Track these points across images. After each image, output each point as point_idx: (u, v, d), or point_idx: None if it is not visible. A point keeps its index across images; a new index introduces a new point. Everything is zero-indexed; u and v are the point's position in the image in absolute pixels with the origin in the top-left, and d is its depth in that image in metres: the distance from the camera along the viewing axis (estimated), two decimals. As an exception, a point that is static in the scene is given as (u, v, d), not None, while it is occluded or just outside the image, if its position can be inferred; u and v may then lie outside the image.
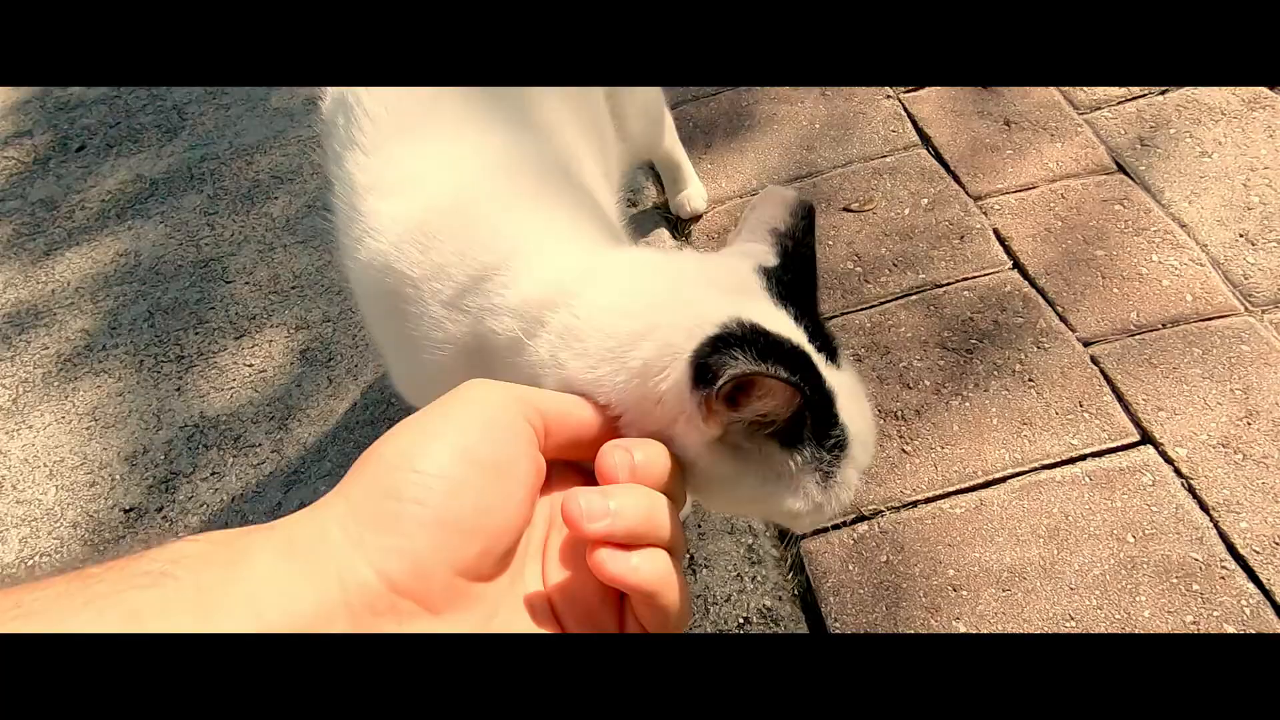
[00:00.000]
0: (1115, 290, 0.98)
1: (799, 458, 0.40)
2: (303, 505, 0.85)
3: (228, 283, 1.29)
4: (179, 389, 1.16)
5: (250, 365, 1.17)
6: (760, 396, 0.37)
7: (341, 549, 0.27)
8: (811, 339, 0.42)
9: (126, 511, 1.04)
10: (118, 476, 1.07)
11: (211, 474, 1.05)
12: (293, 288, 1.26)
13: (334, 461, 1.03)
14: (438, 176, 0.53)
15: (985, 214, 1.10)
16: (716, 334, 0.38)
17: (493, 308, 0.46)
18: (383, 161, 0.55)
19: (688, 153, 1.28)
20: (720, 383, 0.36)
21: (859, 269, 1.07)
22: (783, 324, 0.42)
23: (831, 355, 0.43)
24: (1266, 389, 0.86)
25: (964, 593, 0.78)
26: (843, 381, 0.43)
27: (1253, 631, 0.72)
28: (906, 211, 1.12)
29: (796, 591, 0.82)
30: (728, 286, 0.43)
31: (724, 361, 0.36)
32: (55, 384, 1.20)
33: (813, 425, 0.39)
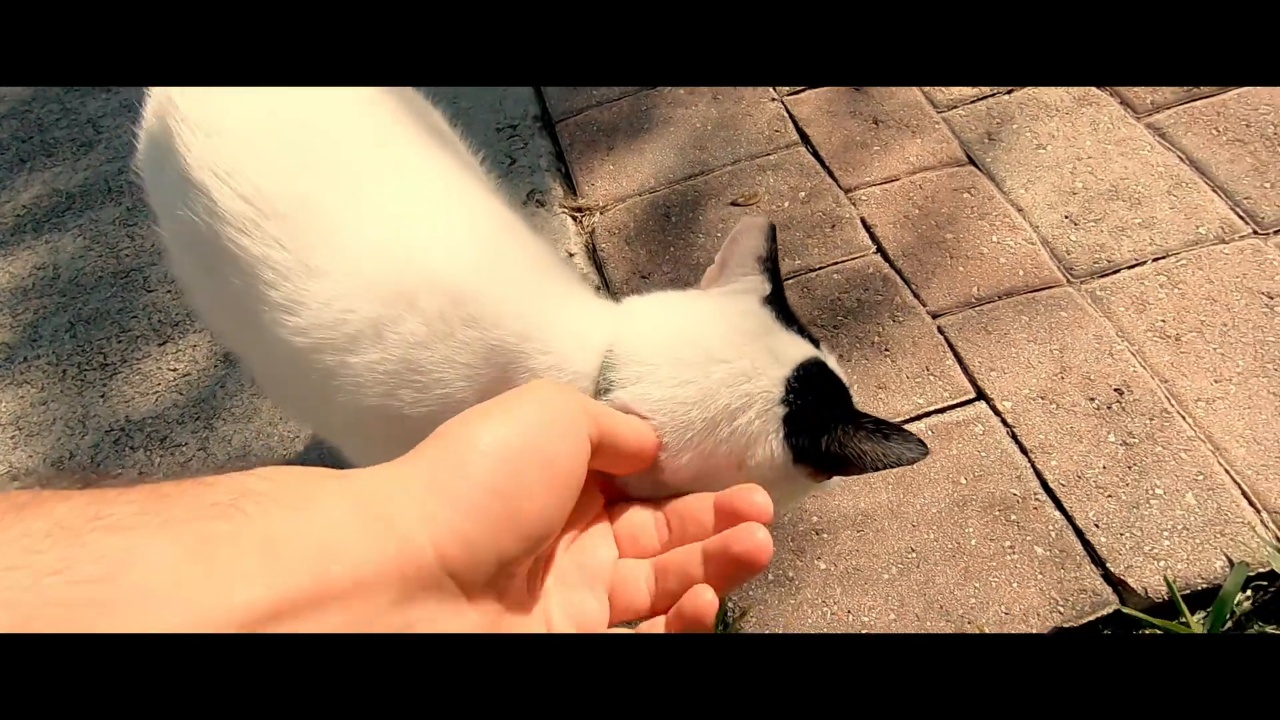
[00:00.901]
0: (960, 268, 1.11)
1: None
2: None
3: (149, 291, 1.33)
4: (103, 395, 1.20)
5: (174, 369, 1.21)
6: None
7: (408, 515, 0.27)
8: (803, 334, 0.51)
9: (55, 513, 1.08)
10: (44, 482, 1.11)
11: (139, 475, 1.10)
12: (214, 294, 1.30)
13: (259, 456, 1.09)
14: (396, 257, 0.52)
15: (854, 204, 1.22)
16: (794, 407, 0.46)
17: (533, 371, 0.49)
18: (310, 247, 0.52)
19: (591, 155, 1.38)
20: (845, 473, 0.46)
21: (743, 257, 1.18)
22: (800, 347, 0.50)
23: (813, 341, 0.52)
24: (1078, 348, 1.00)
25: (825, 535, 0.90)
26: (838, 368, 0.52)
27: (1057, 551, 0.86)
28: (786, 204, 1.24)
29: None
30: (757, 331, 0.49)
31: (849, 456, 0.45)
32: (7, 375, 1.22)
33: None
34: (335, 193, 0.54)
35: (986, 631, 0.81)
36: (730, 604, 0.86)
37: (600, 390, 0.47)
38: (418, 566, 0.26)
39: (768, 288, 0.52)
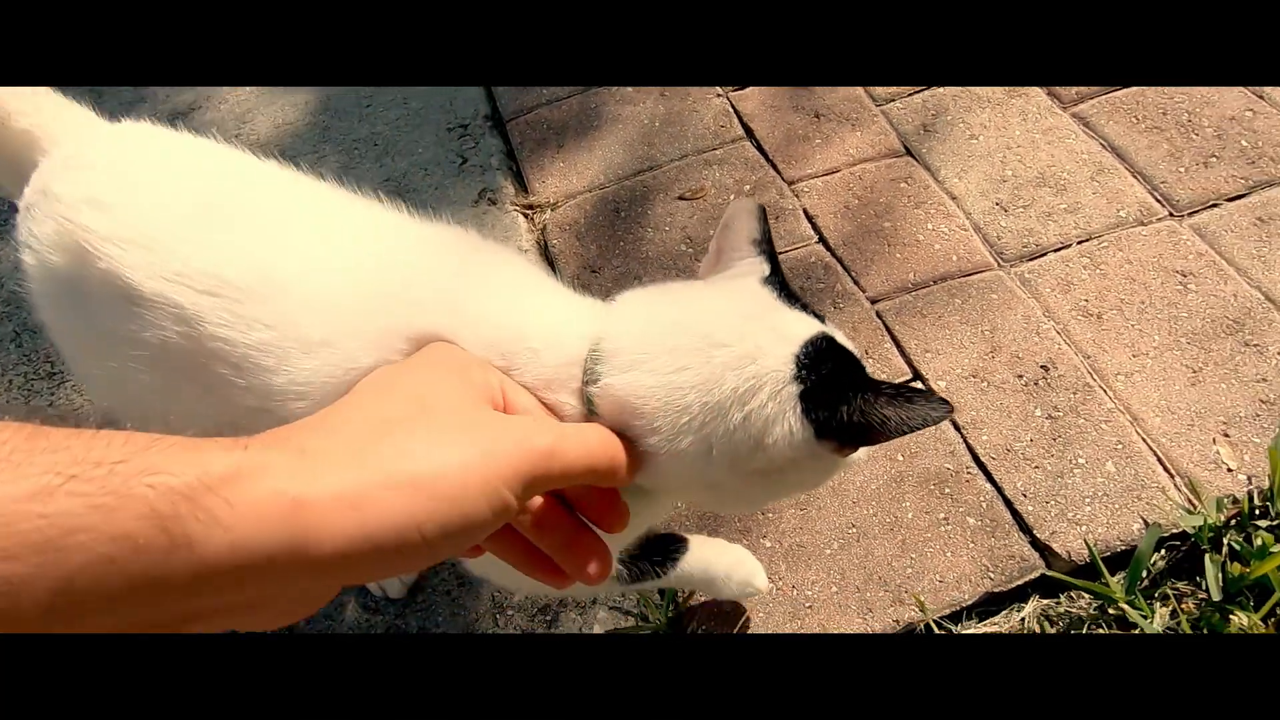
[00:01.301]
0: (898, 255, 1.16)
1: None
2: None
3: (97, 298, 1.32)
4: (51, 403, 1.19)
5: (125, 376, 1.21)
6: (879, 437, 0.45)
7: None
8: (805, 310, 0.50)
9: (4, 524, 1.07)
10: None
11: (90, 481, 1.09)
12: (164, 299, 1.30)
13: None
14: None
15: (797, 196, 1.26)
16: (809, 384, 0.45)
17: (520, 369, 0.46)
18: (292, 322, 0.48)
19: (541, 153, 1.40)
20: (870, 442, 0.45)
21: (691, 250, 1.21)
22: (805, 323, 0.48)
23: (818, 317, 0.51)
24: (1007, 329, 1.05)
25: (770, 515, 0.93)
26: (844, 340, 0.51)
27: (988, 520, 0.90)
28: (732, 197, 1.27)
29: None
30: (759, 312, 0.48)
31: (873, 422, 0.44)
32: (-81, 409, 1.20)
33: None
34: (291, 257, 0.51)
35: (923, 600, 0.86)
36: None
37: (588, 381, 0.46)
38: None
39: (766, 268, 0.51)
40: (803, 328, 0.48)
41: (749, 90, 1.43)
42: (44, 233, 0.54)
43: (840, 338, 0.50)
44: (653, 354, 0.46)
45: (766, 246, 0.53)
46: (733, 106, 1.41)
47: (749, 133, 1.36)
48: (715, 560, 0.79)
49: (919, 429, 0.44)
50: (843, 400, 0.45)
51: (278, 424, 0.34)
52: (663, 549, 0.71)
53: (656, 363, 0.45)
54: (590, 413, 0.46)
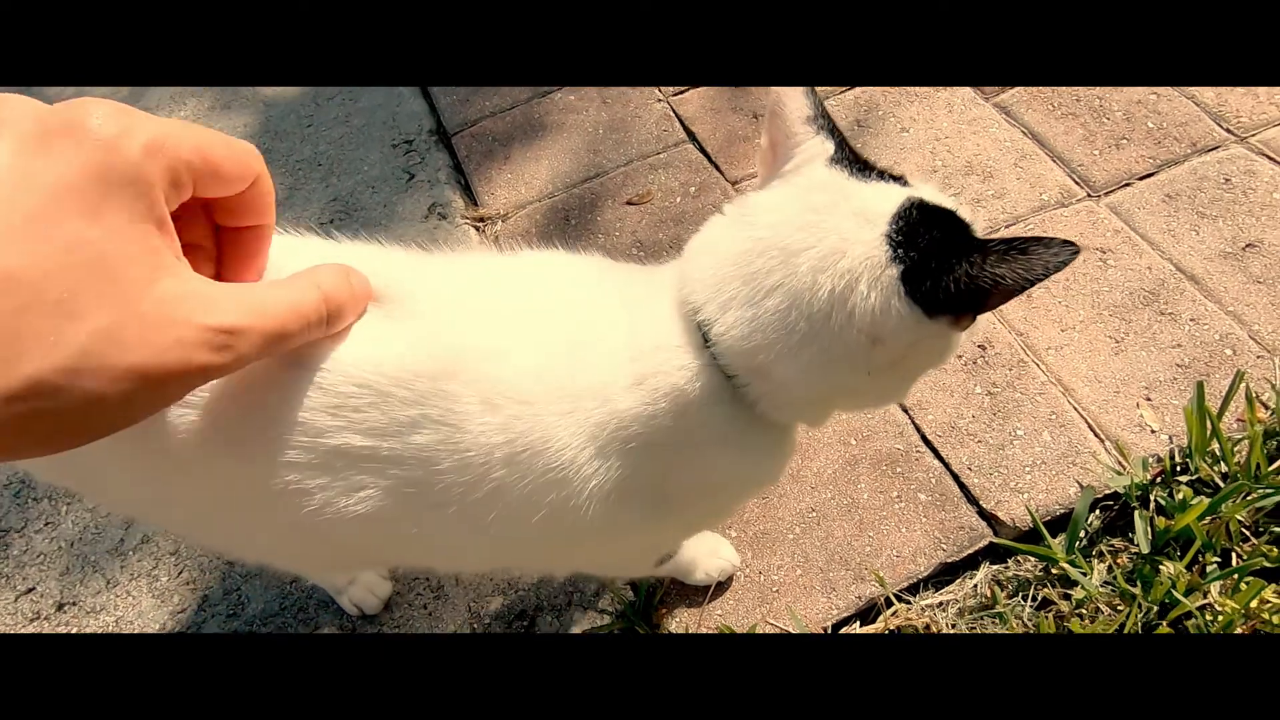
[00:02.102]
0: (840, 248, 1.20)
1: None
2: (145, 541, 0.93)
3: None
4: None
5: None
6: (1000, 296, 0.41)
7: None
8: (885, 179, 0.46)
9: (-44, 575, 1.04)
10: (-59, 543, 1.07)
11: (45, 524, 1.07)
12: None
13: (174, 492, 1.08)
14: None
15: (741, 195, 1.30)
16: (910, 261, 0.41)
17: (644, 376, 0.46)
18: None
19: (489, 165, 1.41)
20: (988, 306, 0.41)
21: (641, 254, 1.24)
22: (887, 195, 0.44)
23: (901, 182, 0.47)
24: (946, 312, 1.11)
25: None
26: (935, 194, 0.47)
27: (938, 495, 0.95)
28: (678, 200, 1.30)
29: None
30: (833, 200, 0.44)
31: (985, 285, 0.40)
32: None
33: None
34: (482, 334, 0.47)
35: (882, 575, 0.90)
36: (653, 579, 0.92)
37: (706, 344, 0.45)
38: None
39: (830, 146, 0.47)
40: (886, 202, 0.44)
41: (689, 94, 1.46)
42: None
43: (932, 195, 0.46)
44: (733, 285, 0.44)
45: (824, 122, 0.48)
46: (674, 111, 1.44)
47: (691, 136, 1.40)
48: (695, 542, 0.84)
49: (1042, 279, 0.40)
50: (947, 270, 0.41)
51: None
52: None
53: (743, 295, 0.43)
54: (725, 373, 0.46)
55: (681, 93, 1.47)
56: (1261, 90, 1.29)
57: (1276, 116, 1.25)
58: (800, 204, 0.46)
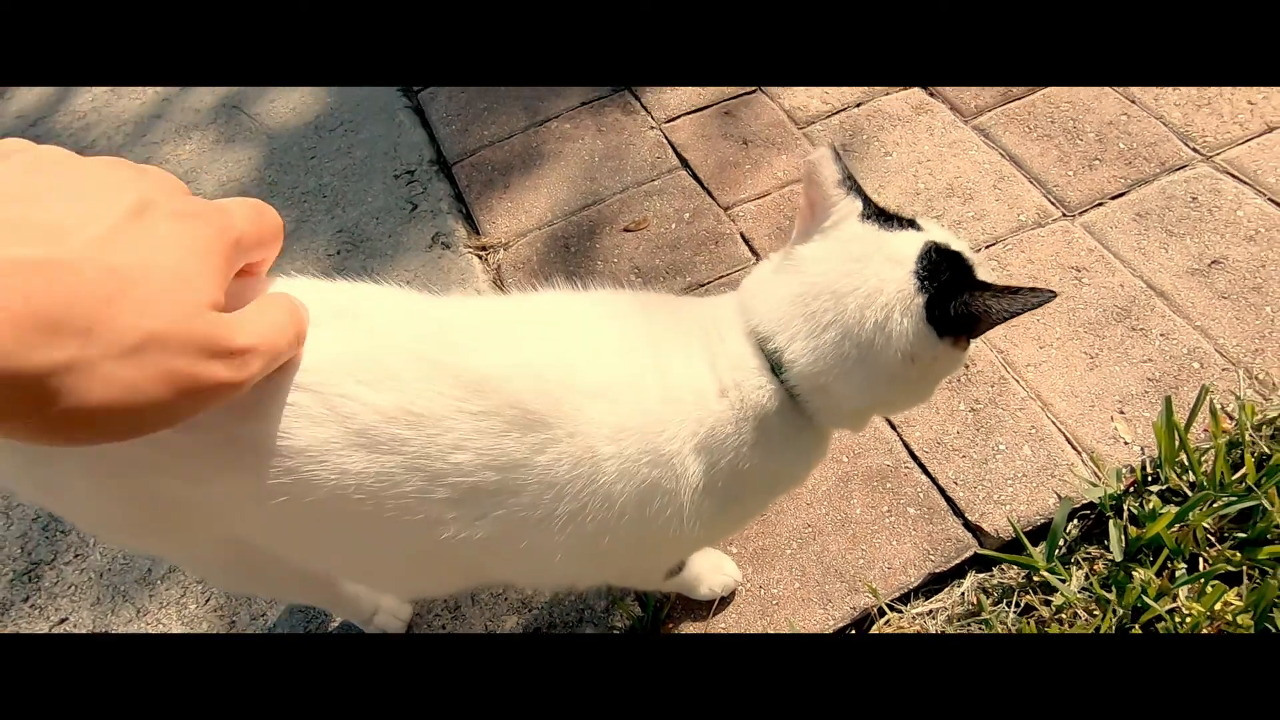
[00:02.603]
0: (829, 271, 1.26)
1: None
2: (171, 571, 0.98)
3: (58, 372, 1.32)
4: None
5: (97, 448, 1.23)
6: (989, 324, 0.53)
7: None
8: (903, 225, 0.58)
9: (-9, 607, 1.08)
10: (-26, 576, 1.11)
11: (75, 556, 1.12)
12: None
13: (198, 521, 1.13)
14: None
15: (733, 220, 1.35)
16: (931, 292, 0.53)
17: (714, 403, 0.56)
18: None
19: (489, 194, 1.46)
20: (981, 330, 0.53)
21: (640, 280, 1.29)
22: (910, 241, 0.56)
23: (915, 227, 0.59)
24: (930, 332, 1.16)
25: (734, 523, 1.02)
26: (943, 234, 0.59)
27: (926, 509, 1.01)
28: (674, 226, 1.36)
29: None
30: (868, 250, 0.56)
31: (978, 310, 0.52)
32: (-115, 501, 1.20)
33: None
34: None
35: (875, 586, 0.96)
36: (661, 594, 0.97)
37: (774, 367, 0.56)
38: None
39: (859, 204, 0.58)
40: (910, 246, 0.56)
41: (680, 120, 1.52)
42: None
43: (942, 236, 0.59)
44: (797, 322, 0.55)
45: (852, 183, 0.59)
46: (666, 138, 1.49)
47: (684, 162, 1.45)
48: (700, 559, 0.92)
49: (1020, 314, 0.52)
50: (953, 300, 0.54)
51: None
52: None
53: (804, 328, 0.55)
54: (791, 392, 0.57)
55: (674, 119, 1.52)
56: (1225, 110, 1.36)
57: (1240, 135, 1.32)
58: (843, 254, 0.57)
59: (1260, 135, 1.31)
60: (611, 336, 0.57)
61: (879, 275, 0.55)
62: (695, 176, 1.43)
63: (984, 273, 0.59)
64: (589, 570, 0.63)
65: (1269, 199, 1.23)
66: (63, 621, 1.05)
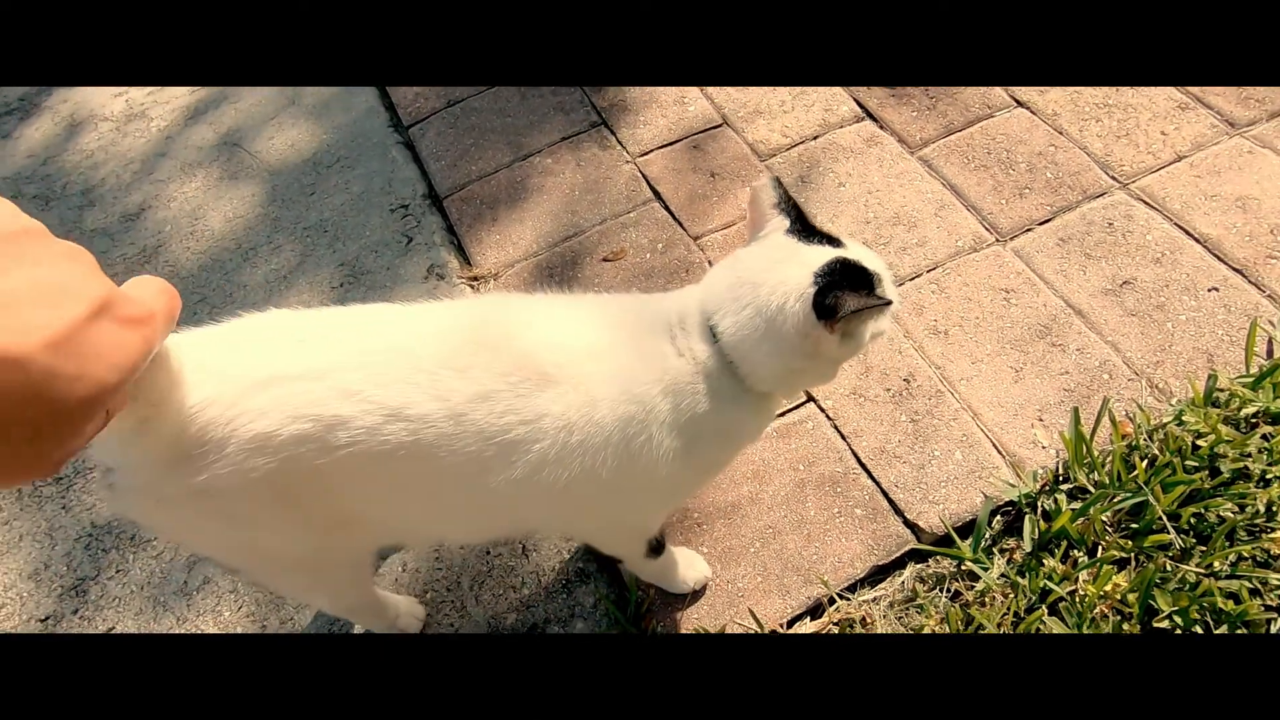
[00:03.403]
0: (788, 296, 1.40)
1: (871, 322, 0.75)
2: (206, 582, 1.13)
3: (87, 403, 1.44)
4: (64, 507, 1.32)
5: (129, 473, 1.35)
6: (859, 314, 0.70)
7: None
8: (827, 243, 0.76)
9: (43, 621, 1.21)
10: (26, 594, 1.24)
11: (116, 572, 1.24)
12: (152, 397, 1.44)
13: (226, 537, 1.26)
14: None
15: (703, 250, 1.49)
16: (820, 285, 0.70)
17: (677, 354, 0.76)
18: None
19: (479, 227, 1.58)
20: (840, 316, 0.69)
21: (618, 306, 1.43)
22: (823, 253, 0.73)
23: (837, 245, 0.76)
24: (876, 350, 1.31)
25: (704, 526, 1.17)
26: (863, 254, 0.76)
27: (871, 510, 1.16)
28: (648, 256, 1.49)
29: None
30: (786, 256, 0.74)
31: (840, 303, 0.69)
32: (-64, 527, 1.32)
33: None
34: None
35: (827, 578, 1.11)
36: (641, 589, 1.11)
37: (714, 336, 0.74)
38: None
39: (786, 222, 0.77)
40: (819, 257, 0.74)
41: (652, 154, 1.65)
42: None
43: (855, 254, 0.76)
44: (728, 303, 0.74)
45: (785, 205, 0.78)
46: (640, 171, 1.63)
47: (657, 194, 1.59)
48: (678, 554, 1.08)
49: (863, 310, 0.70)
50: (826, 292, 0.71)
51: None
52: (659, 543, 1.00)
53: (731, 307, 0.74)
54: (725, 356, 0.75)
55: (647, 153, 1.65)
56: (1141, 140, 1.51)
57: (1152, 164, 1.47)
58: (767, 256, 0.76)
59: (1170, 164, 1.47)
60: (600, 319, 0.78)
61: (788, 273, 0.73)
62: (667, 208, 1.56)
63: (887, 284, 0.77)
64: (590, 502, 0.78)
65: (1175, 224, 1.39)
66: (110, 630, 1.18)
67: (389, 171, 1.73)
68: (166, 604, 1.20)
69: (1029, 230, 1.43)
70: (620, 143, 1.69)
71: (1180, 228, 1.38)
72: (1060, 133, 1.55)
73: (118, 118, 1.97)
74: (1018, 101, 1.62)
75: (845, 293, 0.70)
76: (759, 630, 1.07)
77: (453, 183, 1.67)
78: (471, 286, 1.52)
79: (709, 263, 1.47)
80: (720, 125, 1.68)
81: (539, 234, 1.56)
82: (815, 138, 1.63)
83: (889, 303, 0.73)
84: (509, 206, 1.61)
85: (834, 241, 0.78)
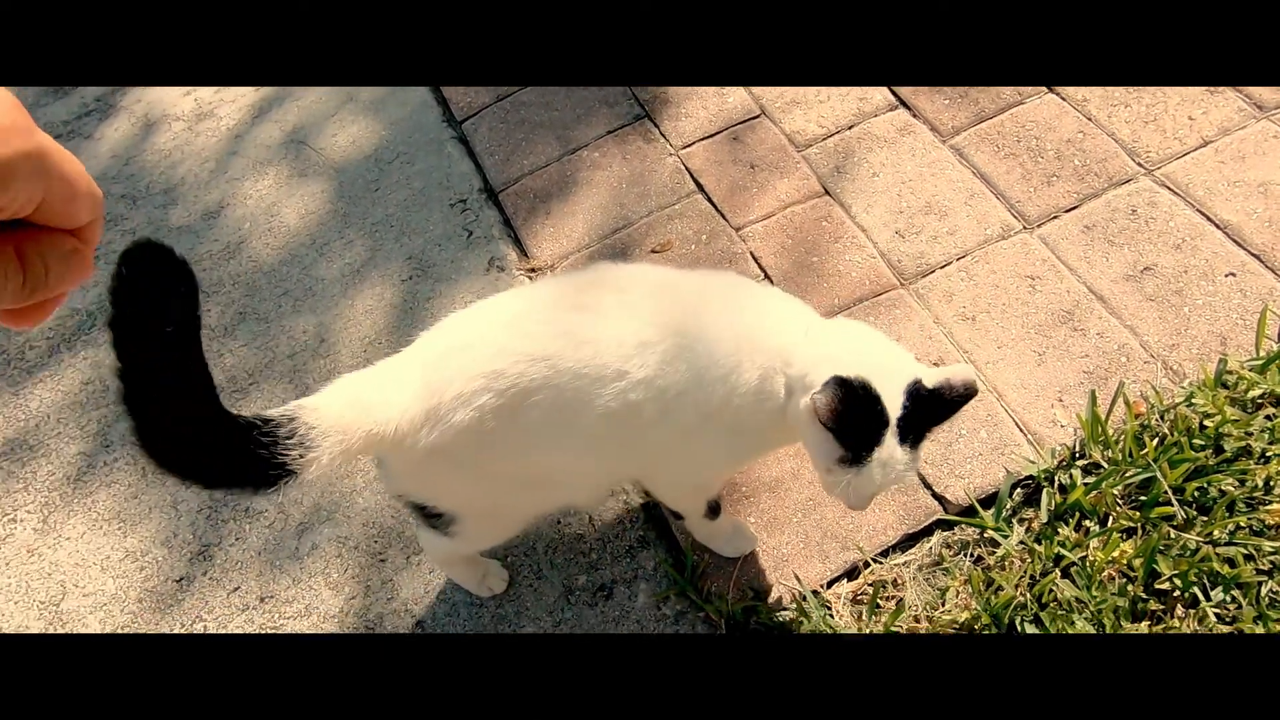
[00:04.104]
0: (826, 285, 1.51)
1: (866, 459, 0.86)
2: (315, 547, 1.32)
3: (192, 390, 1.61)
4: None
5: (236, 452, 1.52)
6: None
7: None
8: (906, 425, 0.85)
9: (178, 581, 1.40)
10: (160, 558, 1.43)
11: (236, 539, 1.42)
12: (250, 383, 1.60)
13: (327, 510, 1.43)
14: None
15: (744, 240, 1.59)
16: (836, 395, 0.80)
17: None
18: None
19: (533, 220, 1.70)
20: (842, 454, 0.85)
21: (667, 296, 1.55)
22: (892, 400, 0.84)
23: (911, 440, 0.87)
24: (909, 335, 1.42)
25: (751, 499, 1.31)
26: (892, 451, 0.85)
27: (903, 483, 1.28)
28: (693, 247, 1.60)
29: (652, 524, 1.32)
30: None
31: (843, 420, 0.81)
32: (75, 500, 1.51)
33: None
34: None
35: (862, 545, 1.24)
36: (696, 553, 1.26)
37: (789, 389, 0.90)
38: None
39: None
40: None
41: (694, 146, 1.74)
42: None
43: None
44: (798, 381, 0.90)
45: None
46: (683, 164, 1.72)
47: (699, 186, 1.69)
48: (729, 523, 1.23)
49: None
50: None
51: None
52: (717, 506, 1.16)
53: (798, 386, 0.90)
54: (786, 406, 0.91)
55: (689, 145, 1.75)
56: (1169, 126, 1.56)
57: (1178, 150, 1.53)
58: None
59: (1196, 149, 1.53)
60: (723, 309, 0.94)
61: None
62: (710, 200, 1.66)
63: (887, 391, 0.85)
64: (670, 449, 0.95)
65: (1197, 210, 1.46)
66: (236, 589, 1.37)
67: (446, 167, 1.84)
68: (282, 567, 1.38)
69: (1055, 218, 1.51)
70: (663, 135, 1.78)
71: (1202, 214, 1.45)
72: (1089, 119, 1.61)
73: (189, 117, 2.10)
74: (1048, 87, 1.67)
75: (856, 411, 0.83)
76: (800, 590, 1.21)
77: (506, 177, 1.78)
78: (529, 278, 1.64)
79: (750, 253, 1.57)
80: (758, 116, 1.76)
81: (590, 226, 1.67)
82: (850, 127, 1.70)
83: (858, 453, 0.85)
84: (560, 200, 1.72)
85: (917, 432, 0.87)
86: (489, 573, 1.25)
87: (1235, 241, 1.41)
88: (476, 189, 1.79)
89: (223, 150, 2.00)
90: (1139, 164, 1.53)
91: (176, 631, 1.34)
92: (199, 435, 0.73)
